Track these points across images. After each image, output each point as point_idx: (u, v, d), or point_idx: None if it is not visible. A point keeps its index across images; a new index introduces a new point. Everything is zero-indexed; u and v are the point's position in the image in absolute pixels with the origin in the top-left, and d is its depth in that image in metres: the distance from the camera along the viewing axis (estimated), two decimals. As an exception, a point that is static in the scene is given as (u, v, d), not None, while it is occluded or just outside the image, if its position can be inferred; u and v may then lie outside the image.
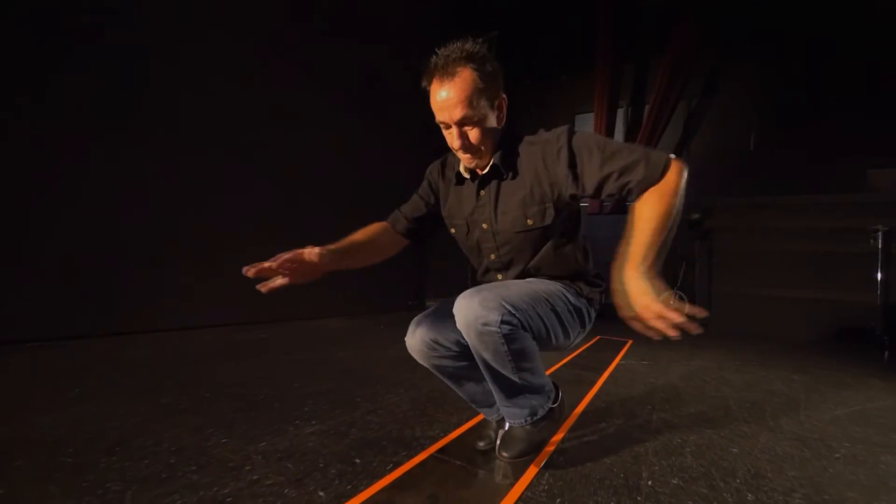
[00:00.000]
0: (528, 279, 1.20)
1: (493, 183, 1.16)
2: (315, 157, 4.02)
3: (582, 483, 1.12)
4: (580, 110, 6.64)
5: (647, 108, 5.76)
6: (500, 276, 1.25)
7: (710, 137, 5.57)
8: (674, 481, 1.15)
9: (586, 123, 6.47)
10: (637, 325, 0.85)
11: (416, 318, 1.20)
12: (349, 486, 1.06)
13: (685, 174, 0.98)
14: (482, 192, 1.17)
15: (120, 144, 2.82)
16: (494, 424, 1.33)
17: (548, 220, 1.12)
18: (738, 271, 4.17)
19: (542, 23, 6.52)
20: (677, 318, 0.79)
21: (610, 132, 6.14)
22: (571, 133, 1.08)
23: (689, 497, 1.07)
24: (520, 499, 1.03)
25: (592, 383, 2.08)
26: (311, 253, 0.96)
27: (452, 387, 1.27)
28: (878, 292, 3.51)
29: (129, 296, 2.86)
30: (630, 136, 6.03)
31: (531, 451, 1.22)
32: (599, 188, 1.05)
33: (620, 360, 2.63)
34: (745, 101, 5.31)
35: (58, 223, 2.59)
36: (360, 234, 1.23)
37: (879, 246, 3.52)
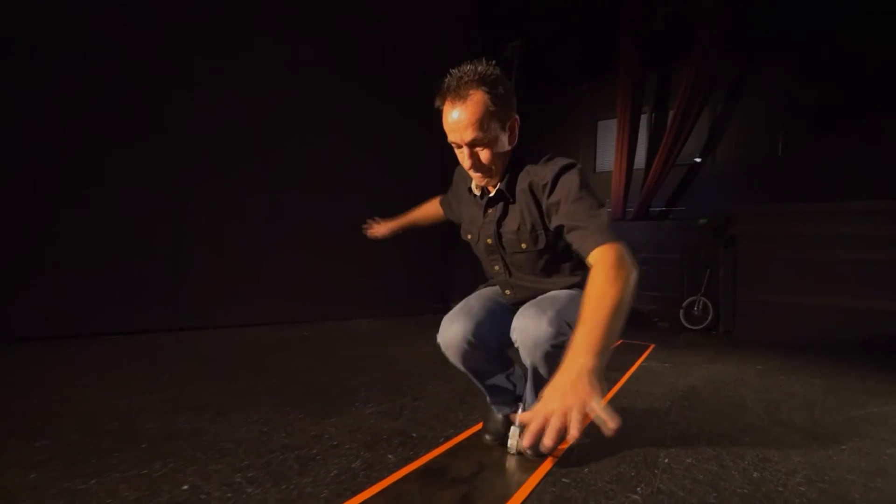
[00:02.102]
0: (557, 292, 1.25)
1: (500, 204, 1.22)
2: (347, 160, 4.28)
3: (607, 457, 1.32)
4: (602, 117, 6.76)
5: (671, 113, 5.85)
6: (507, 275, 1.31)
7: (735, 143, 5.63)
8: (688, 460, 1.34)
9: (609, 130, 6.59)
10: (534, 423, 0.68)
11: (448, 316, 1.27)
12: (411, 453, 1.30)
13: (629, 260, 0.96)
14: (489, 210, 1.24)
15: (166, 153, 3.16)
16: (502, 418, 1.40)
17: (541, 245, 1.19)
18: (763, 278, 4.25)
19: (564, 29, 6.69)
20: (585, 421, 0.67)
21: (633, 138, 6.25)
22: (563, 170, 1.11)
23: (700, 472, 1.26)
24: (554, 465, 1.24)
25: (615, 381, 2.26)
26: (383, 225, 1.66)
27: (475, 379, 1.35)
28: (908, 301, 3.55)
29: (186, 295, 3.20)
30: (654, 141, 6.13)
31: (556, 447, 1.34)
32: (554, 224, 1.11)
33: (642, 363, 2.80)
34: (773, 107, 5.35)
35: (122, 232, 2.95)
36: (419, 212, 1.65)
37: (908, 254, 3.56)
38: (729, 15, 5.36)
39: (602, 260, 0.96)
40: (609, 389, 2.09)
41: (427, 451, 1.31)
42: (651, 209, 5.95)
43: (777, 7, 5.25)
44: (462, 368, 1.31)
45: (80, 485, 1.06)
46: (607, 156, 6.56)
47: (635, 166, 6.19)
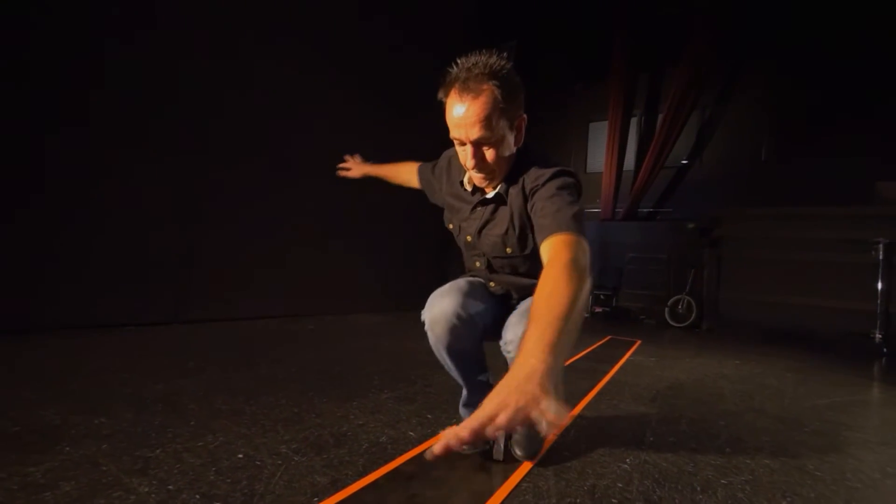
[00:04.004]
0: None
1: (490, 206, 1.16)
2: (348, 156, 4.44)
3: (599, 436, 1.53)
4: (594, 119, 7.01)
5: (660, 117, 6.12)
6: (487, 272, 1.29)
7: (722, 148, 5.92)
8: (671, 439, 1.56)
9: (600, 131, 6.84)
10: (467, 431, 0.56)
11: (436, 292, 1.22)
12: (429, 430, 1.49)
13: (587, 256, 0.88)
14: (478, 209, 1.19)
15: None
16: None
17: (527, 251, 1.14)
18: (745, 278, 4.54)
19: (559, 32, 6.90)
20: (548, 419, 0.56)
21: (623, 140, 6.51)
22: (555, 175, 1.06)
23: (682, 448, 1.48)
24: (555, 443, 1.45)
25: (605, 373, 2.48)
26: (357, 165, 1.70)
27: (456, 370, 1.29)
28: (879, 301, 3.86)
29: (195, 290, 3.33)
30: (643, 144, 6.39)
31: (541, 448, 1.34)
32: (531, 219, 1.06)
33: (630, 357, 3.03)
34: (758, 112, 5.64)
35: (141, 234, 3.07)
36: (395, 170, 1.61)
37: (880, 257, 3.86)
38: (718, 22, 5.62)
39: (557, 256, 0.86)
40: (574, 398, 1.96)
41: (444, 429, 1.50)
42: (639, 210, 6.23)
43: (765, 15, 5.53)
44: (445, 354, 1.24)
45: (149, 453, 1.23)
46: (598, 157, 6.82)
47: (625, 168, 6.46)
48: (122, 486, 1.08)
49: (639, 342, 3.62)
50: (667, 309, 5.00)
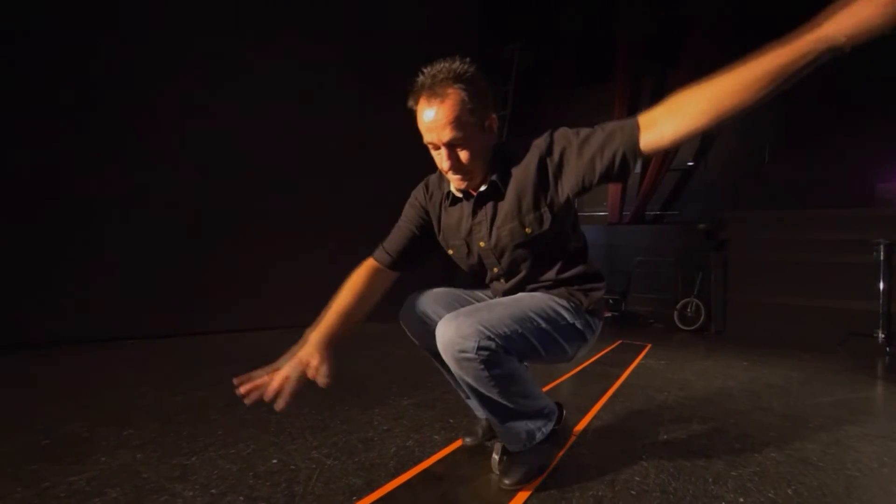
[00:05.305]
0: (518, 295, 1.24)
1: (491, 201, 1.18)
2: (353, 163, 4.57)
3: (615, 435, 1.66)
4: (599, 120, 7.16)
5: (665, 119, 6.28)
6: (503, 281, 1.28)
7: (727, 149, 6.10)
8: (682, 436, 1.69)
9: (605, 133, 7.01)
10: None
11: (410, 296, 1.31)
12: (453, 434, 1.61)
13: None
14: (479, 211, 1.21)
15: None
16: (484, 422, 1.43)
17: (546, 226, 1.14)
18: (752, 280, 4.69)
19: (563, 34, 7.10)
20: None
21: (628, 143, 6.68)
22: (549, 134, 1.14)
23: (694, 444, 1.61)
24: (573, 443, 1.57)
25: (617, 377, 2.62)
26: (315, 371, 1.09)
27: (445, 373, 1.35)
28: (881, 301, 4.01)
29: (201, 303, 3.44)
30: (648, 146, 6.56)
31: (534, 476, 1.24)
32: (583, 175, 1.07)
33: (641, 360, 3.16)
34: (761, 115, 5.83)
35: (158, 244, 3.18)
36: (347, 296, 1.25)
37: (881, 258, 4.02)
38: (721, 23, 5.82)
39: (662, 106, 0.99)
40: (589, 400, 2.24)
41: (464, 433, 1.62)
42: (646, 213, 6.40)
43: (769, 16, 5.73)
44: (428, 354, 1.34)
45: (185, 461, 1.35)
46: (603, 159, 6.97)
47: (630, 170, 6.62)
48: (166, 491, 1.19)
49: (649, 346, 3.76)
50: (675, 312, 5.14)
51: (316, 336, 1.17)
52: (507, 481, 1.21)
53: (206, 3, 3.44)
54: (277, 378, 1.09)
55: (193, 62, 3.39)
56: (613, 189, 6.56)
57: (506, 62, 6.46)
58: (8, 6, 2.62)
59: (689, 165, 6.38)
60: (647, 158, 1.11)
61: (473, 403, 1.38)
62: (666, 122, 0.96)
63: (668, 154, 6.11)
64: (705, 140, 6.27)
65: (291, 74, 4.04)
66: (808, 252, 4.42)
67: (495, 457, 1.29)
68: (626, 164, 1.02)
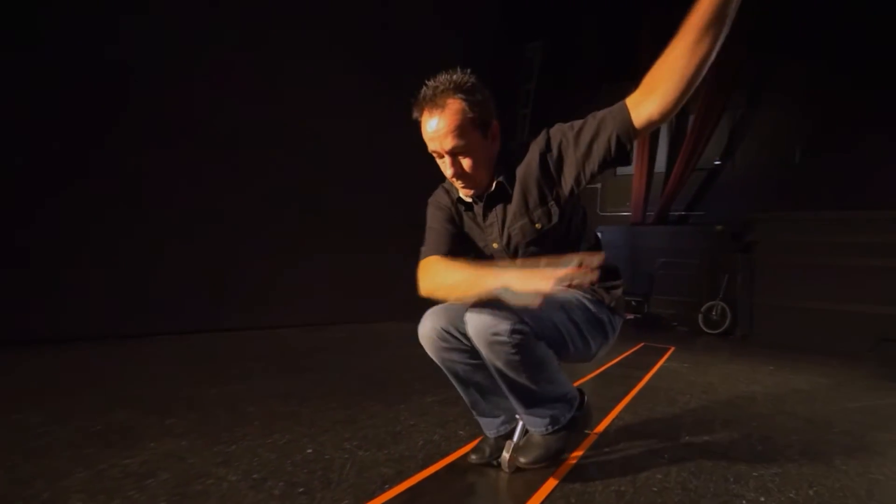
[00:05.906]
0: None
1: (500, 203, 1.24)
2: (374, 162, 4.69)
3: (637, 435, 1.72)
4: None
5: (690, 118, 6.24)
6: None
7: (755, 149, 6.02)
8: (704, 437, 1.74)
9: (628, 132, 6.98)
10: None
11: (429, 310, 1.30)
12: (477, 430, 1.68)
13: None
14: (489, 213, 1.26)
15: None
16: (492, 441, 1.42)
17: (555, 219, 1.20)
18: (780, 283, 4.64)
19: (585, 32, 7.10)
20: None
21: (653, 142, 6.65)
22: (545, 131, 1.20)
23: (716, 445, 1.66)
24: (595, 442, 1.64)
25: (640, 378, 2.66)
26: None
27: (459, 389, 1.37)
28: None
29: (225, 301, 3.60)
30: (673, 146, 6.52)
31: (548, 458, 1.28)
32: (583, 164, 1.11)
33: (664, 363, 3.19)
34: (792, 113, 5.74)
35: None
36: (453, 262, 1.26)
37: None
38: (749, 20, 5.74)
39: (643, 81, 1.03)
40: (611, 402, 2.18)
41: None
42: (671, 213, 6.35)
43: (798, 13, 5.64)
44: (443, 369, 1.34)
45: (226, 449, 1.46)
46: (625, 158, 6.95)
47: (656, 169, 6.59)
48: (212, 475, 1.30)
49: (672, 349, 3.77)
50: (700, 315, 5.12)
51: (493, 268, 1.07)
52: (522, 459, 1.27)
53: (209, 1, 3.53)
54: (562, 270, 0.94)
55: (195, 60, 3.45)
56: (636, 188, 6.54)
57: (527, 61, 6.51)
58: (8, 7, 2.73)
59: (717, 164, 6.31)
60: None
61: (485, 421, 1.41)
62: (650, 99, 1.01)
63: (693, 153, 6.07)
64: (732, 140, 6.21)
65: (313, 78, 4.16)
66: (838, 255, 4.37)
67: (506, 455, 1.33)
68: (622, 147, 1.07)
